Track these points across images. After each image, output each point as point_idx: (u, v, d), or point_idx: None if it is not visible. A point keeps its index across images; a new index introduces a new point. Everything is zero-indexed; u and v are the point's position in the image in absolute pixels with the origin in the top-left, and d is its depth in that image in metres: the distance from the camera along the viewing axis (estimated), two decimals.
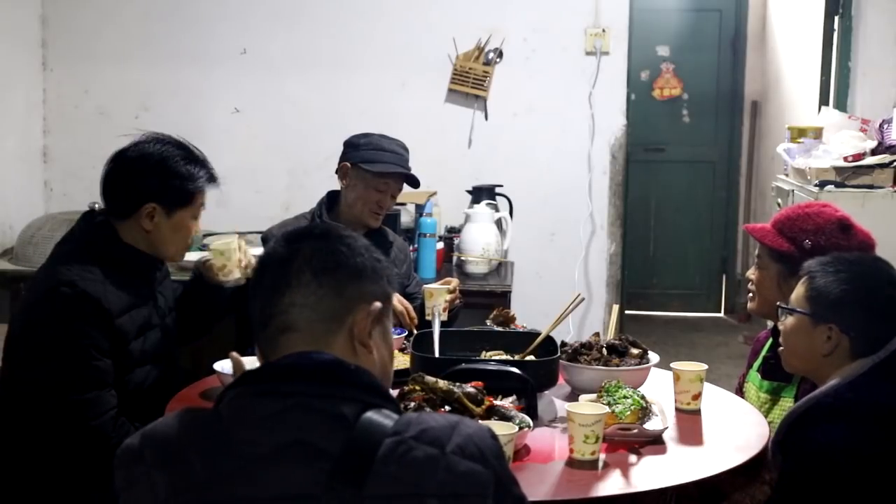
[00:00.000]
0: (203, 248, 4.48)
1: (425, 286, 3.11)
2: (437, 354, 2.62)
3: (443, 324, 2.77)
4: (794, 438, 2.05)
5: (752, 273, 2.64)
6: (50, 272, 2.50)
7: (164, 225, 2.57)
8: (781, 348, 2.25)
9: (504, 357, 2.62)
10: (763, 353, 2.69)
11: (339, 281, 1.46)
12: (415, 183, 3.29)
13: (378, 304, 1.48)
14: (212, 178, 2.65)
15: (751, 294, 2.65)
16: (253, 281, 1.52)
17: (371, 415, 1.35)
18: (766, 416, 2.49)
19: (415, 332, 2.86)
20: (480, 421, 2.09)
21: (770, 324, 2.72)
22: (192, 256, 4.24)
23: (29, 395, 2.39)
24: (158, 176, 2.55)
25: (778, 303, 2.29)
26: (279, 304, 1.45)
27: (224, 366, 2.52)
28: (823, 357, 2.11)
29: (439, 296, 2.96)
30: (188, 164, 2.59)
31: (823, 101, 5.26)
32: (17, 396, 2.43)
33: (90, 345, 2.39)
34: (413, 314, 3.06)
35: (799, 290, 2.18)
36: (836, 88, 5.14)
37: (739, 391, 2.75)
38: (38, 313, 2.41)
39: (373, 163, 3.18)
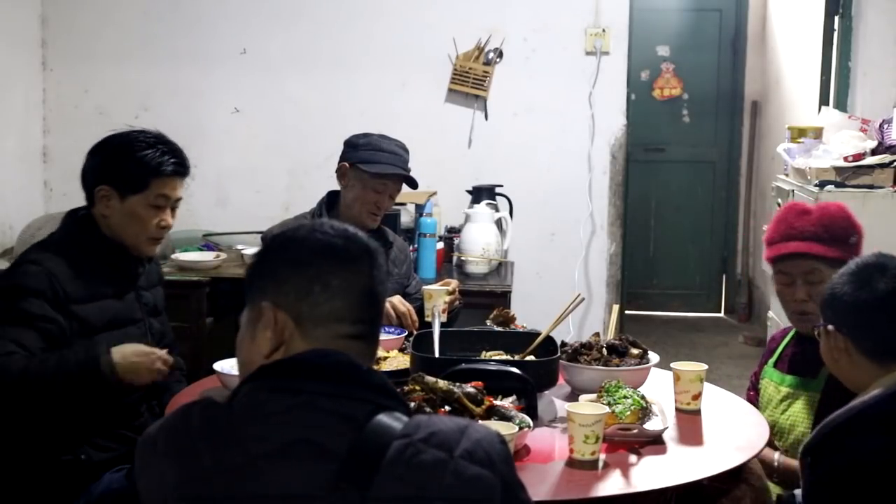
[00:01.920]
0: (207, 247, 4.49)
1: (424, 287, 3.11)
2: (437, 354, 2.62)
3: (442, 325, 2.76)
4: (831, 446, 2.00)
5: (802, 293, 2.55)
6: (20, 256, 2.55)
7: (117, 210, 2.53)
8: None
9: (504, 357, 2.62)
10: (779, 349, 2.69)
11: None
12: (413, 184, 3.29)
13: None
14: (177, 171, 2.55)
15: (807, 313, 2.54)
16: (308, 263, 1.47)
17: (381, 417, 1.35)
18: (786, 410, 2.51)
19: (415, 332, 2.85)
20: (482, 422, 2.09)
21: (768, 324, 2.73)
22: (200, 256, 4.28)
23: None
24: (114, 158, 2.52)
25: (812, 327, 2.25)
26: (371, 310, 1.48)
27: (224, 366, 2.52)
28: (836, 362, 2.08)
29: (438, 297, 2.96)
30: (149, 150, 2.52)
31: (823, 101, 5.26)
32: None
33: (27, 315, 2.37)
34: (415, 316, 3.06)
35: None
36: (836, 88, 5.14)
37: (753, 390, 2.74)
38: (1, 283, 2.45)
39: (371, 163, 3.17)
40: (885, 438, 1.94)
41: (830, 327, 2.07)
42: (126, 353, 2.38)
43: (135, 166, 2.51)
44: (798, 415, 2.52)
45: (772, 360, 2.69)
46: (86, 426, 2.48)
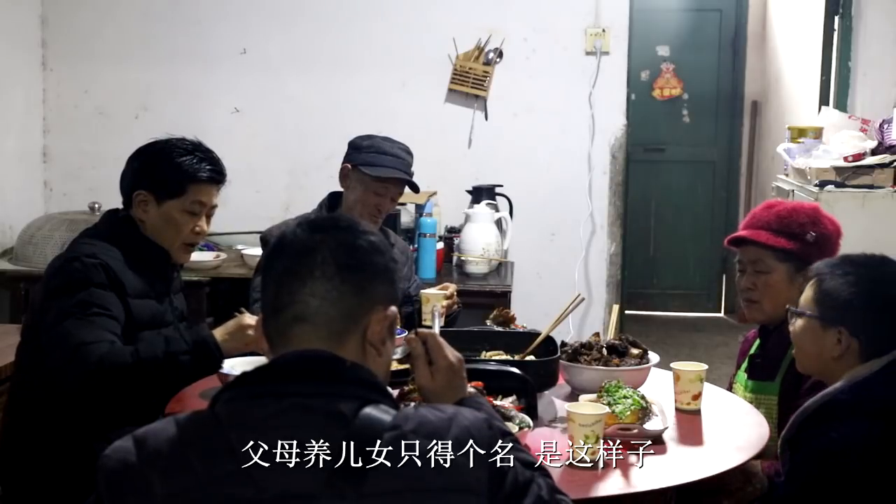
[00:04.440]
0: (207, 247, 4.49)
1: (423, 291, 3.09)
2: None
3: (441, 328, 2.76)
4: (807, 435, 2.04)
5: (747, 281, 2.64)
6: (71, 249, 2.55)
7: (154, 215, 2.57)
8: (794, 350, 2.24)
9: (504, 357, 2.61)
10: (750, 353, 2.71)
11: (362, 280, 1.46)
12: (415, 188, 3.29)
13: (394, 309, 1.49)
14: (213, 177, 2.60)
15: (751, 302, 2.64)
16: (266, 266, 1.50)
17: (369, 410, 1.35)
18: None
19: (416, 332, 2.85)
20: None
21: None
22: (200, 256, 4.28)
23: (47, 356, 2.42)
24: (153, 163, 2.57)
25: (787, 306, 2.27)
26: (299, 293, 1.43)
27: (224, 366, 2.51)
28: (833, 360, 2.10)
29: (436, 301, 2.95)
30: (187, 156, 2.57)
31: (823, 101, 5.26)
32: (37, 371, 2.47)
33: (103, 305, 2.41)
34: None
35: (808, 293, 2.16)
36: (836, 88, 5.13)
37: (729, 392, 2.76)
38: (57, 280, 2.45)
39: (372, 166, 3.16)
40: (858, 424, 1.97)
41: (842, 329, 2.08)
42: (219, 332, 2.41)
43: (173, 171, 2.56)
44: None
45: (744, 365, 2.72)
46: (112, 420, 2.49)
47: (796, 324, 2.19)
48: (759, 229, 2.61)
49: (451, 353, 1.71)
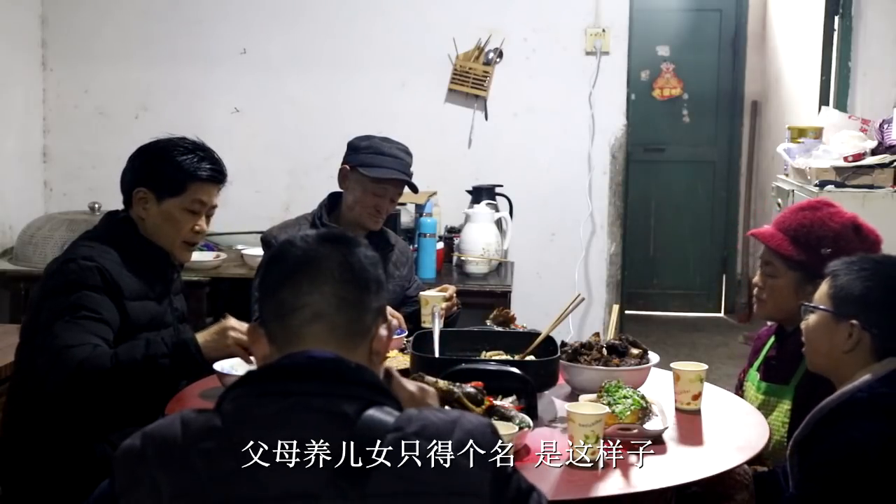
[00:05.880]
0: (207, 247, 4.49)
1: (422, 293, 3.08)
2: (437, 354, 2.62)
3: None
4: (825, 434, 2.03)
5: (759, 279, 2.61)
6: (69, 251, 2.55)
7: (154, 213, 2.58)
8: (805, 347, 2.23)
9: (504, 357, 2.61)
10: (764, 352, 2.69)
11: (372, 289, 1.50)
12: (414, 189, 3.28)
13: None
14: (214, 176, 2.61)
15: (759, 299, 2.62)
16: (270, 271, 1.52)
17: (373, 412, 1.36)
18: (765, 416, 2.48)
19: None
20: None
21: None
22: (200, 256, 4.28)
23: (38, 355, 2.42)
24: (154, 161, 2.58)
25: (801, 302, 2.26)
26: (318, 291, 1.45)
27: (224, 366, 2.52)
28: (844, 354, 2.09)
29: (435, 303, 2.94)
30: (187, 155, 2.58)
31: (823, 101, 5.26)
32: (34, 372, 2.46)
33: (94, 308, 2.41)
34: (404, 325, 3.04)
35: (822, 289, 2.16)
36: (836, 88, 5.13)
37: (739, 389, 2.75)
38: (52, 282, 2.45)
39: (371, 167, 3.16)
40: (877, 423, 1.96)
41: (854, 322, 2.08)
42: (203, 335, 2.41)
43: (173, 170, 2.57)
44: (774, 422, 2.50)
45: (757, 363, 2.69)
46: (111, 421, 2.50)
47: (809, 319, 2.19)
48: (778, 231, 2.56)
49: (412, 384, 1.79)
